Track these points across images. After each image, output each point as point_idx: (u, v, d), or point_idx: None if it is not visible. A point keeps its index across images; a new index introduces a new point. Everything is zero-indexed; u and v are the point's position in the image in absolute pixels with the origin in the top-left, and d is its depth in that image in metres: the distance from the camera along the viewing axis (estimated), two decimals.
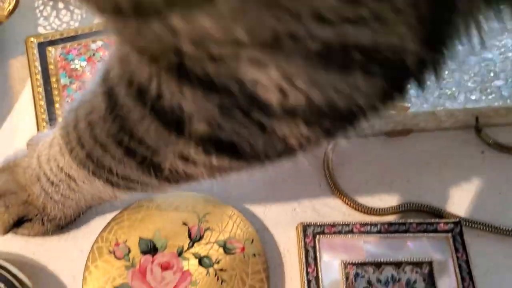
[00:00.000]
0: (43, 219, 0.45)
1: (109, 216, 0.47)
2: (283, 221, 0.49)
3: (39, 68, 0.51)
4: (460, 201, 0.51)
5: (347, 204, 0.50)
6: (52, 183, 0.42)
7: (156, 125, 0.27)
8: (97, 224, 0.47)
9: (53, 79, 0.50)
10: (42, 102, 0.49)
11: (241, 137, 0.26)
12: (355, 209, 0.50)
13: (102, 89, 0.30)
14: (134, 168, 0.33)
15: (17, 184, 0.45)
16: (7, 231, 0.45)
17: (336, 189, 0.50)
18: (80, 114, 0.33)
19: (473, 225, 0.49)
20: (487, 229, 0.49)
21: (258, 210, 0.49)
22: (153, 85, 0.25)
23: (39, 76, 0.50)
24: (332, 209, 0.50)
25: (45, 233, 0.46)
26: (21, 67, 0.54)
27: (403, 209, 0.49)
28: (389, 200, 0.50)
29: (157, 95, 0.25)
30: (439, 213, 0.49)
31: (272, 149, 0.26)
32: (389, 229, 0.47)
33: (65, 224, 0.46)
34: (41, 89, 0.50)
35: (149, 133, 0.28)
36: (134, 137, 0.30)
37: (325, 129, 0.26)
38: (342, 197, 0.50)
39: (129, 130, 0.29)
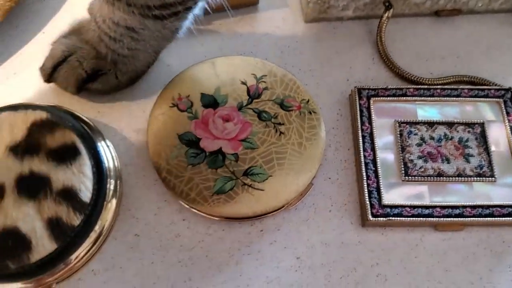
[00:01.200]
0: (116, 74, 0.47)
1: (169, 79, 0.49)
2: (336, 90, 0.51)
3: None
4: (510, 76, 0.51)
5: (400, 75, 0.51)
6: (115, 39, 0.44)
7: None
8: (158, 87, 0.49)
9: None
10: None
11: None
12: (408, 80, 0.51)
13: None
14: None
15: (86, 43, 0.47)
16: (80, 86, 0.47)
17: (389, 62, 0.51)
18: None
19: None
20: None
21: (313, 79, 0.51)
22: None
23: None
24: (385, 81, 0.51)
25: (119, 87, 0.48)
26: None
27: (455, 80, 0.51)
28: (440, 74, 0.52)
29: None
30: (489, 85, 0.50)
31: None
32: (441, 94, 0.48)
33: (136, 77, 0.48)
34: None
35: None
36: None
37: None
38: (395, 69, 0.51)
39: None
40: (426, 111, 0.48)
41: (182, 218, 0.45)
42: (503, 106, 0.48)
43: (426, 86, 0.49)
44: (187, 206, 0.44)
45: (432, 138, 0.46)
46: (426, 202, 0.44)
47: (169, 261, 0.43)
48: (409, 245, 0.44)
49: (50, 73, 0.47)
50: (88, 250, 0.41)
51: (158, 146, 0.45)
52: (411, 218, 0.43)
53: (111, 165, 0.44)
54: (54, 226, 0.40)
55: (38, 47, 0.51)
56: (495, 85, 0.50)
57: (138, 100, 0.50)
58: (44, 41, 0.50)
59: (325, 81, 0.51)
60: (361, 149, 0.46)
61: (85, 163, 0.42)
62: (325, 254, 0.44)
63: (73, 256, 0.41)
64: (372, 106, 0.47)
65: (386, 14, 0.51)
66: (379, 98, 0.48)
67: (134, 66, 0.47)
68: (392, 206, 0.43)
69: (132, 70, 0.47)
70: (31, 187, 0.41)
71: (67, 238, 0.40)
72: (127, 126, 0.48)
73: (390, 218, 0.43)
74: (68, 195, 0.40)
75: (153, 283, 0.42)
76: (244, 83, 0.48)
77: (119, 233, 0.44)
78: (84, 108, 0.49)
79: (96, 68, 0.46)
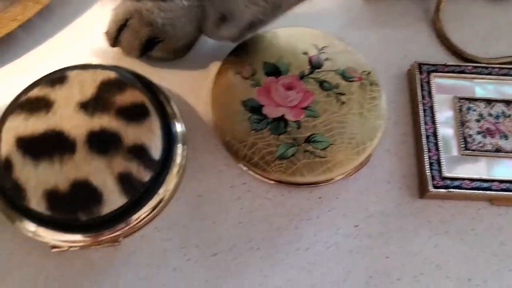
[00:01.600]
0: (170, 40, 0.48)
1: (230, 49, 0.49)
2: (394, 65, 0.51)
3: None
4: None
5: (456, 54, 0.51)
6: (148, 10, 0.45)
7: None
8: (218, 56, 0.50)
9: None
10: None
11: None
12: (464, 59, 0.51)
13: None
14: None
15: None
16: (142, 51, 0.48)
17: (446, 41, 0.52)
18: None
19: None
20: None
21: (370, 54, 0.51)
22: None
23: None
24: (442, 59, 0.51)
25: (177, 53, 0.49)
26: None
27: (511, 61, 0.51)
28: (497, 55, 0.52)
29: None
30: None
31: None
32: (499, 73, 0.49)
33: (190, 43, 0.49)
34: None
35: None
36: None
37: None
38: (452, 48, 0.51)
39: None
40: (484, 88, 0.48)
41: (242, 182, 0.45)
42: None
43: (484, 64, 0.49)
44: (246, 170, 0.45)
45: (490, 114, 0.47)
46: (485, 176, 0.44)
47: (231, 222, 0.44)
48: (466, 217, 0.45)
49: (115, 37, 0.48)
50: (154, 208, 0.42)
51: (222, 112, 0.46)
52: (470, 191, 0.44)
53: (178, 127, 0.45)
54: (125, 181, 0.40)
55: (100, 13, 0.52)
56: None
57: (198, 68, 0.50)
58: (105, 7, 0.51)
59: (382, 57, 0.52)
60: (422, 122, 0.46)
61: (155, 123, 0.42)
62: (382, 224, 0.44)
63: (140, 213, 0.41)
64: (432, 81, 0.48)
65: None
66: (438, 73, 0.48)
67: (179, 35, 0.47)
68: (452, 178, 0.44)
69: (180, 36, 0.47)
70: (102, 143, 0.41)
71: (137, 193, 0.40)
72: (189, 91, 0.49)
73: (450, 190, 0.43)
74: (139, 152, 0.41)
75: (215, 242, 0.43)
76: (305, 53, 0.48)
77: (183, 193, 0.44)
78: (146, 73, 0.49)
79: (152, 35, 0.47)
